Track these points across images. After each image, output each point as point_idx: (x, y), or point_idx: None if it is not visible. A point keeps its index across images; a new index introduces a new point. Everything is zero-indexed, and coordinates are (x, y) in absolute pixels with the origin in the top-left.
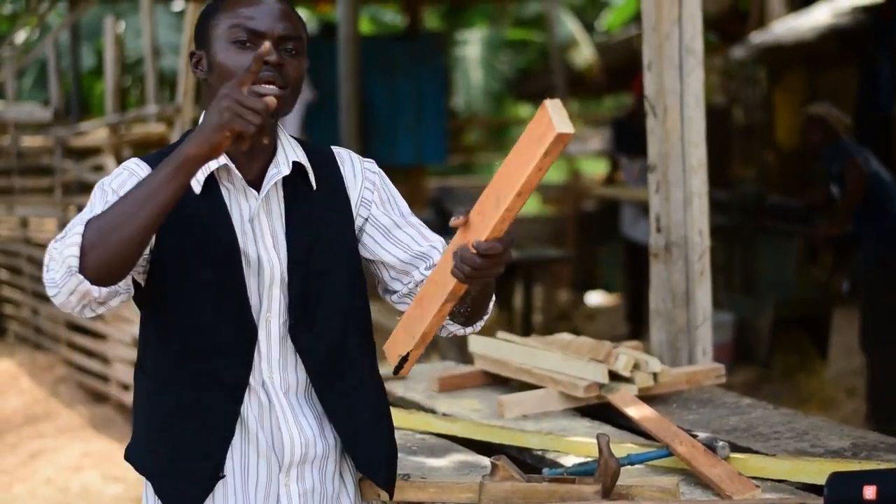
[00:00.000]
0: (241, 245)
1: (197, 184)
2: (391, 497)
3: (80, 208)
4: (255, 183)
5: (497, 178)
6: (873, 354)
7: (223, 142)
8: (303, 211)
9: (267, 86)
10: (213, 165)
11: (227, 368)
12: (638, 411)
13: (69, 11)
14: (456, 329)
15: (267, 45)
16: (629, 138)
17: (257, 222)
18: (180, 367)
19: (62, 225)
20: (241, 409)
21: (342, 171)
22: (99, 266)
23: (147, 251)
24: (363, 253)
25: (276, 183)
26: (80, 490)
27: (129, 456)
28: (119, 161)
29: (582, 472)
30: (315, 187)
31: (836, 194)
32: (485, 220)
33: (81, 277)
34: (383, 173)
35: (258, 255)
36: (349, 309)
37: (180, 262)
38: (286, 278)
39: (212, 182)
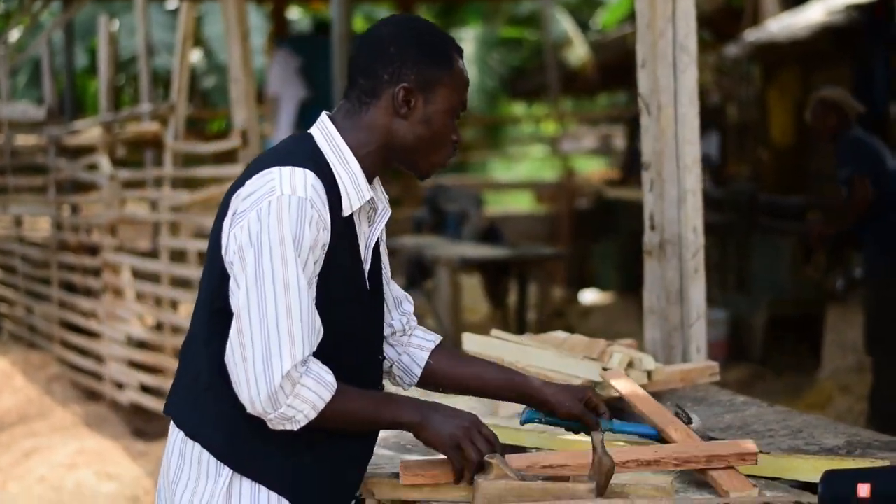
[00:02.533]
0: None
1: (349, 208)
2: None
3: (73, 208)
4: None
5: None
6: (878, 358)
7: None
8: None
9: (447, 163)
10: (365, 197)
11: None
12: (632, 391)
13: (63, 10)
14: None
15: None
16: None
17: (371, 248)
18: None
19: (56, 224)
20: None
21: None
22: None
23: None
24: None
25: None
26: (74, 488)
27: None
28: (112, 160)
29: (554, 423)
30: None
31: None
32: None
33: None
34: None
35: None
36: None
37: (334, 291)
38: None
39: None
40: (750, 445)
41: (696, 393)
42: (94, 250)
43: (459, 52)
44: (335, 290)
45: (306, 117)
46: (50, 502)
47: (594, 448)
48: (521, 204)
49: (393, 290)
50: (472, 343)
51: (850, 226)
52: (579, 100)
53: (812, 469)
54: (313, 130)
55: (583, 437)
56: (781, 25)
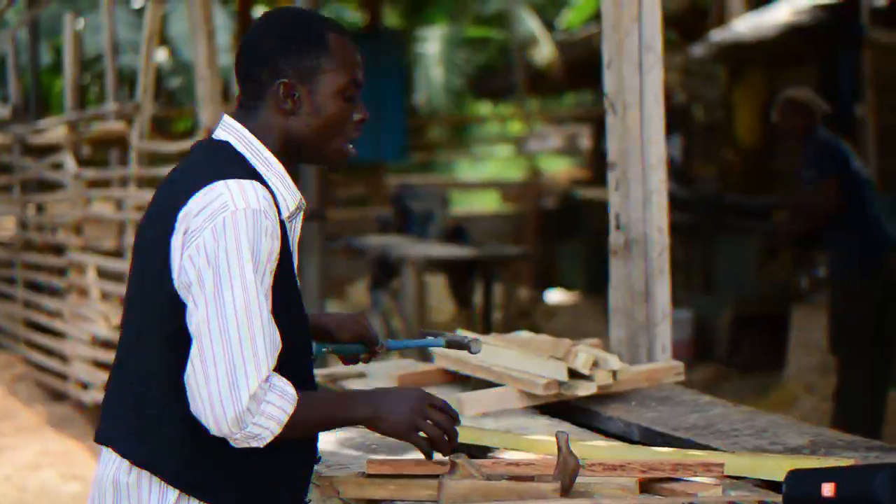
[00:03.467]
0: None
1: (287, 210)
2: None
3: (38, 207)
4: None
5: None
6: (842, 358)
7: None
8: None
9: (353, 147)
10: (297, 197)
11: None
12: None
13: (27, 8)
14: None
15: None
16: None
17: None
18: None
19: (21, 223)
20: None
21: None
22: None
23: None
24: None
25: None
26: (38, 489)
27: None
28: (77, 159)
29: (339, 350)
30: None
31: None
32: None
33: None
34: None
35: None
36: None
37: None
38: None
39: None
40: (717, 458)
41: (660, 392)
42: (59, 250)
43: (338, 30)
44: (283, 295)
45: None
46: (14, 502)
47: (559, 448)
48: (486, 204)
49: None
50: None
51: (815, 227)
52: (545, 99)
53: (776, 468)
54: (225, 136)
55: (547, 437)
56: (747, 25)
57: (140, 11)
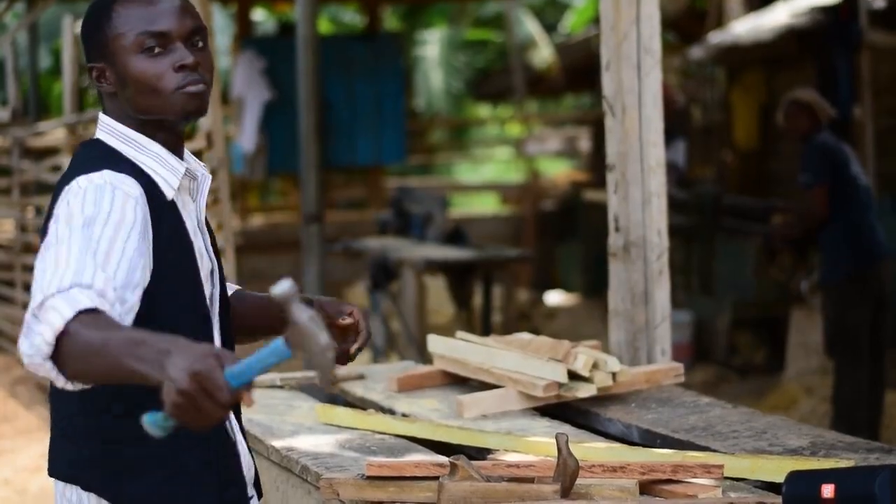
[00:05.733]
0: (198, 251)
1: (171, 189)
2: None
3: (38, 209)
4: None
5: None
6: (839, 363)
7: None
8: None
9: (193, 86)
10: (180, 170)
11: None
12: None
13: (27, 11)
14: None
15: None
16: None
17: (202, 224)
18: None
19: (20, 226)
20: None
21: None
22: (72, 375)
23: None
24: None
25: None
26: (39, 491)
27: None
28: None
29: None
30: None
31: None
32: None
33: (53, 369)
34: None
35: (207, 255)
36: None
37: (163, 283)
38: (217, 270)
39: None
40: (717, 460)
41: (660, 394)
42: None
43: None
44: (174, 280)
45: (271, 119)
46: None
47: (559, 449)
48: (486, 206)
49: None
50: (437, 344)
51: (804, 232)
52: (544, 102)
53: (776, 469)
54: (98, 133)
55: (547, 439)
56: (745, 28)
57: None
